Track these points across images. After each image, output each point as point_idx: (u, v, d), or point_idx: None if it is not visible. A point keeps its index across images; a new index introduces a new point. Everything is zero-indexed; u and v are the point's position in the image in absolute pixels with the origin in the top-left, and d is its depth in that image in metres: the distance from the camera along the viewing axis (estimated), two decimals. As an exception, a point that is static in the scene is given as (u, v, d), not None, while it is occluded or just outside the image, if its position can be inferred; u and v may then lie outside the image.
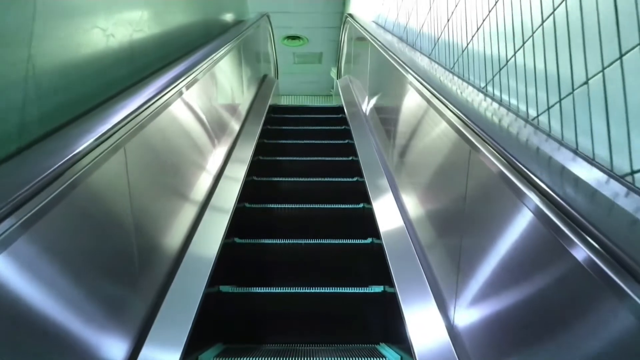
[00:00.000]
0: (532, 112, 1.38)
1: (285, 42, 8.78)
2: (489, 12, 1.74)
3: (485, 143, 1.23)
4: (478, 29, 1.85)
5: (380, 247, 2.01)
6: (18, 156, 1.05)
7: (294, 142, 3.58)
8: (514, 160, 1.07)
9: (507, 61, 1.56)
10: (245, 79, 3.85)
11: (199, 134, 2.26)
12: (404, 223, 2.06)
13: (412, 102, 2.23)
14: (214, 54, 2.57)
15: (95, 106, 1.46)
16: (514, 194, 1.04)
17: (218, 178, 2.42)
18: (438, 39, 2.42)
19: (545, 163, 1.15)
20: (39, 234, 0.89)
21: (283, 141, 3.60)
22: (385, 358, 1.55)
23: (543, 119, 1.32)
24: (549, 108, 1.29)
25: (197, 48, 2.69)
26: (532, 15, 1.39)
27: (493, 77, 1.69)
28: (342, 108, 4.38)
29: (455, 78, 2.07)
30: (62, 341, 0.97)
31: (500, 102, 1.62)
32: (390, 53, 2.73)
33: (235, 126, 3.18)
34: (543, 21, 1.33)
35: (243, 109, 3.59)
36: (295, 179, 2.90)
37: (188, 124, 2.09)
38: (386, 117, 2.92)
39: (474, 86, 1.87)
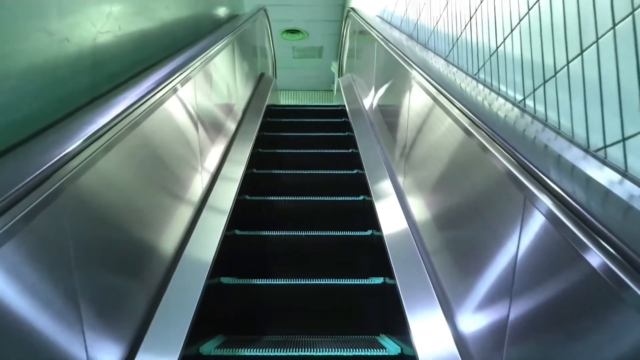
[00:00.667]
0: (596, 141, 1.08)
1: (284, 36, 8.46)
2: (529, 9, 1.42)
3: (538, 183, 0.94)
4: (513, 30, 1.53)
5: (380, 239, 2.00)
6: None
7: (295, 134, 3.55)
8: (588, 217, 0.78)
9: (557, 72, 1.25)
10: (239, 79, 3.54)
11: (192, 136, 2.04)
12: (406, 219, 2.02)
13: (429, 111, 1.93)
14: (201, 56, 2.25)
15: (50, 125, 1.19)
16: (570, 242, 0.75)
17: (215, 178, 2.35)
18: (457, 39, 2.10)
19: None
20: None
21: (283, 133, 3.57)
22: (385, 349, 1.52)
23: (615, 152, 1.01)
24: (624, 139, 0.98)
25: (183, 49, 2.37)
26: (597, 16, 1.08)
27: (535, 89, 1.38)
28: (346, 114, 4.06)
29: (481, 87, 1.76)
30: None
31: (546, 122, 1.31)
32: (401, 54, 2.42)
33: (232, 126, 3.00)
34: (615, 24, 1.02)
35: (239, 109, 3.39)
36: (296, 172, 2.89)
37: (180, 126, 1.90)
38: (396, 125, 2.62)
39: (507, 99, 1.56)
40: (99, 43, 1.57)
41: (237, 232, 2.18)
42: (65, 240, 0.96)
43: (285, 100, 10.16)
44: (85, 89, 1.47)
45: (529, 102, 1.42)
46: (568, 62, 1.20)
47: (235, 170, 2.54)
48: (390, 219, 2.10)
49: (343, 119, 3.92)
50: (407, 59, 2.27)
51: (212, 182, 2.28)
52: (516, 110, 1.47)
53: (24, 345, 0.82)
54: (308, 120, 3.99)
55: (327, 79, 10.09)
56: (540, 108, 1.35)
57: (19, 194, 0.83)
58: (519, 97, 1.49)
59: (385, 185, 2.41)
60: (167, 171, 1.69)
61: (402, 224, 2.00)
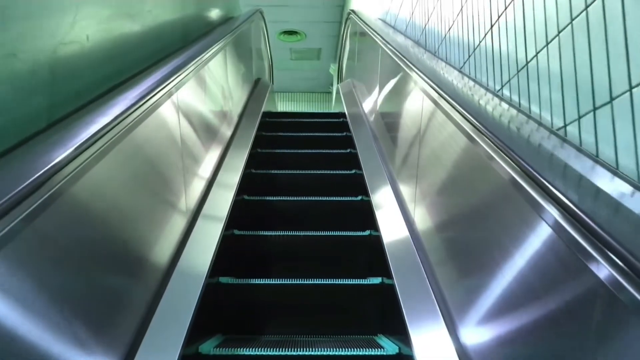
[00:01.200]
0: (676, 191, 0.84)
1: (281, 37, 8.24)
2: (572, 19, 1.19)
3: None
4: (550, 42, 1.30)
5: (378, 239, 2.01)
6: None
7: (293, 134, 3.57)
8: None
9: (613, 98, 1.02)
10: (232, 84, 3.31)
11: (177, 149, 1.84)
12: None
13: (440, 127, 1.71)
14: (187, 67, 2.01)
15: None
16: None
17: (211, 183, 2.33)
18: (475, 49, 1.86)
19: None
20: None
21: (281, 133, 3.59)
22: (383, 349, 1.52)
23: None
24: None
25: (168, 58, 2.14)
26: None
27: (580, 116, 1.15)
28: (346, 120, 3.83)
29: (505, 105, 1.53)
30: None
31: (597, 157, 1.08)
32: (409, 64, 2.19)
33: (227, 132, 2.90)
34: None
35: (235, 114, 3.30)
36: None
37: (165, 140, 1.79)
38: (400, 139, 2.39)
39: (540, 123, 1.33)
40: (60, 56, 1.33)
41: (236, 232, 2.18)
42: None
43: (282, 103, 9.92)
44: (40, 112, 1.23)
45: (572, 129, 1.19)
46: (631, 88, 0.96)
47: (232, 176, 2.50)
48: (390, 222, 2.09)
49: (342, 119, 3.86)
50: (417, 71, 2.03)
51: (209, 187, 2.27)
52: (554, 137, 1.24)
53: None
54: (308, 120, 4.02)
55: (325, 81, 9.87)
56: (588, 138, 1.12)
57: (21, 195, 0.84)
58: (558, 123, 1.25)
59: (386, 190, 2.37)
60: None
61: (400, 225, 2.00)
